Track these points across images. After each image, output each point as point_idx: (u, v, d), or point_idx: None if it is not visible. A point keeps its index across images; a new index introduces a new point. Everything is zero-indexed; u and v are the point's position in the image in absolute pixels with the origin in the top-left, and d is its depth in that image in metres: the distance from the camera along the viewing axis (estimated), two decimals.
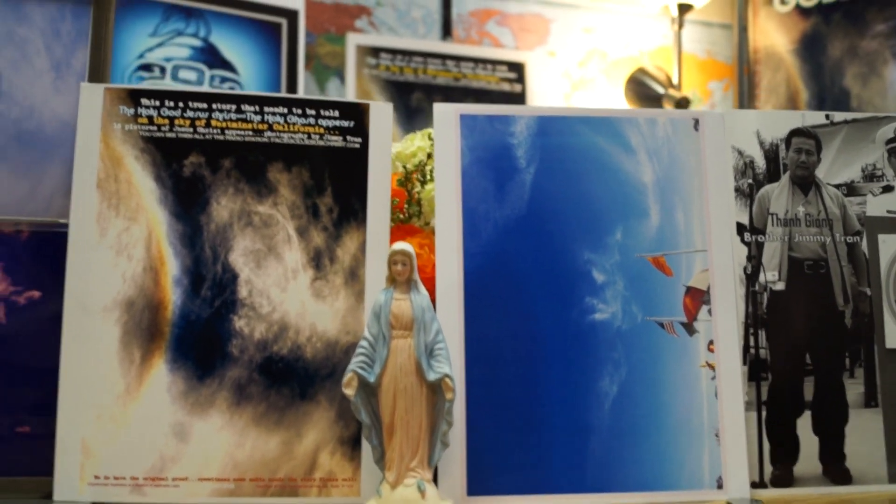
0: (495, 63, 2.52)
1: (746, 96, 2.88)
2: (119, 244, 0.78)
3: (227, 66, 2.10)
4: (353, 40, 2.35)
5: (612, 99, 2.70)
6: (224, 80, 2.08)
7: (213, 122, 0.81)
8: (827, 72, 2.63)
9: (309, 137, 0.82)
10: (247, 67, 2.12)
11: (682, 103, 2.49)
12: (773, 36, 2.80)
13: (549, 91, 2.64)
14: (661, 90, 2.55)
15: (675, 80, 2.63)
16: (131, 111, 0.80)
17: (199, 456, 0.76)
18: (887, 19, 2.44)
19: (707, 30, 2.94)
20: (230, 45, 2.10)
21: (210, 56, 2.07)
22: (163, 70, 2.01)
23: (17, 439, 0.78)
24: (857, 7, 2.56)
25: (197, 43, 2.06)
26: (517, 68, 2.55)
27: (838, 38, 2.60)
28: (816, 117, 0.90)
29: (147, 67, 1.99)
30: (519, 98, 2.53)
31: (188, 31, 2.05)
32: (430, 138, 0.96)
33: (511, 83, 2.53)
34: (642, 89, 2.59)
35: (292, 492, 0.76)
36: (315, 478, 0.76)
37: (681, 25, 2.66)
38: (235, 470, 0.76)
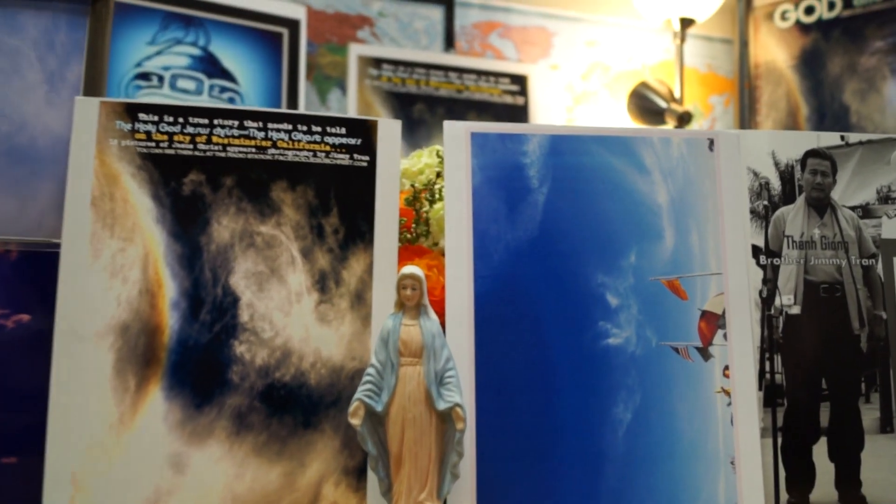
0: (498, 75, 2.53)
1: (747, 111, 2.90)
2: (114, 266, 0.76)
3: (226, 75, 2.09)
4: (355, 51, 2.36)
5: (615, 112, 2.72)
6: (224, 89, 2.08)
7: (215, 139, 0.79)
8: (826, 87, 2.66)
9: (314, 155, 0.81)
10: (247, 77, 2.11)
11: (685, 118, 2.50)
12: (774, 51, 2.83)
13: (551, 104, 2.65)
14: (663, 104, 2.57)
15: (676, 94, 2.64)
16: (128, 126, 0.78)
17: (196, 488, 0.74)
18: (886, 36, 2.47)
19: (708, 44, 2.98)
20: (230, 55, 2.10)
21: (209, 65, 2.07)
22: (161, 79, 2.00)
23: (3, 470, 0.77)
24: (857, 24, 2.59)
25: (196, 52, 2.05)
26: (520, 81, 2.57)
27: (838, 54, 2.63)
28: (832, 138, 0.90)
29: (145, 76, 1.98)
30: (521, 111, 2.53)
31: (187, 39, 2.04)
32: (438, 155, 0.96)
33: (514, 96, 2.54)
34: (644, 103, 2.62)
35: None
36: None
37: (683, 39, 2.68)
38: (235, 502, 0.74)
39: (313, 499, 0.75)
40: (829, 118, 2.62)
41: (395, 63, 2.38)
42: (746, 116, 2.91)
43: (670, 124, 2.54)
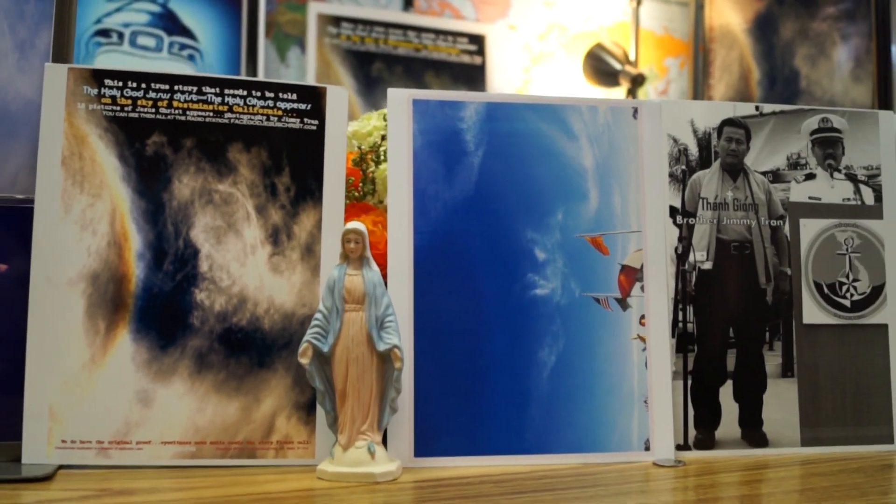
0: (456, 35, 2.52)
1: (701, 73, 2.92)
2: (84, 220, 0.80)
3: (186, 32, 2.07)
4: (315, 9, 2.33)
5: (571, 73, 2.73)
6: (183, 46, 2.06)
7: (175, 103, 0.82)
8: (778, 52, 2.66)
9: (268, 119, 0.84)
10: (206, 34, 2.09)
11: (638, 80, 2.53)
12: (729, 15, 2.84)
13: (508, 64, 2.65)
14: (617, 66, 2.58)
15: (632, 57, 2.66)
16: (95, 91, 0.81)
17: (162, 421, 0.79)
18: (837, 2, 2.47)
19: (665, 7, 2.98)
20: (190, 12, 2.08)
21: (169, 22, 2.05)
22: (121, 36, 1.98)
23: None
24: None
25: (156, 9, 2.03)
26: (477, 41, 2.56)
27: (790, 19, 2.63)
28: (747, 108, 0.95)
29: (104, 33, 1.96)
30: (479, 70, 2.54)
31: None
32: (385, 118, 0.99)
33: (471, 55, 2.54)
34: (599, 65, 2.62)
35: (251, 454, 0.80)
36: (272, 441, 0.80)
37: (639, 2, 2.69)
38: (197, 434, 0.79)
39: (268, 431, 0.80)
40: (780, 82, 2.64)
41: (355, 21, 2.36)
42: (700, 79, 2.93)
43: (624, 86, 2.57)
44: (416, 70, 2.42)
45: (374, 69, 2.36)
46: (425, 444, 0.81)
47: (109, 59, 1.92)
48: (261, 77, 2.14)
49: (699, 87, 2.92)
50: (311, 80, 2.25)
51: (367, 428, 0.76)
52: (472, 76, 2.49)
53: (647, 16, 2.87)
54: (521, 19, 2.70)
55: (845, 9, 2.42)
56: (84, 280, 0.79)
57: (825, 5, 2.52)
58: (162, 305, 0.80)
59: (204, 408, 0.80)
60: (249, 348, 0.81)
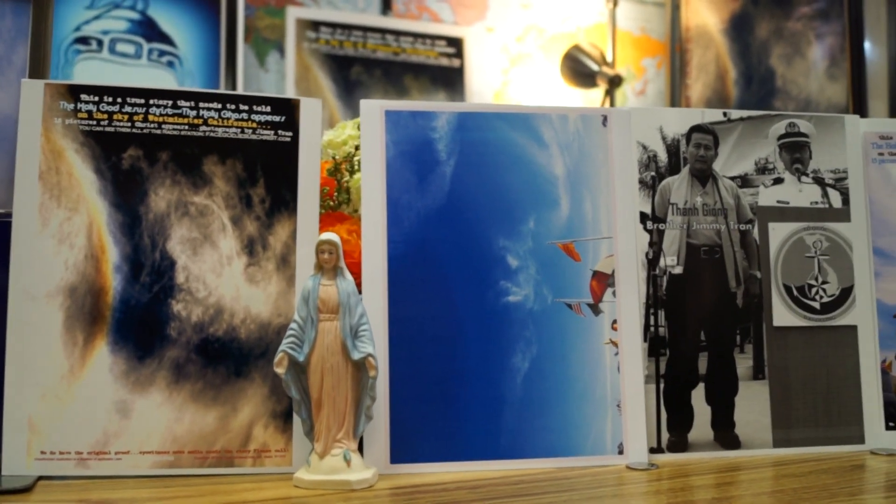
0: (434, 38, 2.53)
1: (678, 73, 2.94)
2: (61, 233, 0.80)
3: (165, 39, 2.07)
4: (293, 13, 2.34)
5: (549, 75, 2.75)
6: (162, 53, 2.06)
7: (151, 117, 0.83)
8: (754, 51, 2.68)
9: (242, 132, 0.85)
10: (185, 41, 2.09)
11: (615, 81, 2.54)
12: (705, 15, 2.86)
13: (487, 66, 2.67)
14: (595, 67, 2.60)
15: (609, 58, 2.68)
16: (71, 106, 0.82)
17: (140, 431, 0.79)
18: (811, 2, 2.49)
19: (642, 7, 3.00)
20: (168, 18, 2.08)
21: (148, 29, 2.05)
22: (100, 43, 1.98)
23: None
24: None
25: (134, 16, 2.03)
26: (456, 43, 2.57)
27: (765, 18, 2.65)
28: (715, 115, 0.96)
29: (84, 41, 1.95)
30: (457, 73, 2.55)
31: (125, 3, 2.01)
32: (359, 127, 1.00)
33: (450, 58, 2.55)
34: (577, 66, 2.64)
35: (228, 463, 0.80)
36: (250, 449, 0.81)
37: (615, 3, 2.71)
38: (175, 443, 0.80)
39: (245, 439, 0.81)
40: (756, 81, 2.67)
41: (333, 26, 2.37)
42: (677, 79, 2.96)
43: (602, 87, 2.59)
44: (394, 73, 2.43)
45: (353, 73, 2.36)
46: (401, 451, 0.82)
47: (89, 66, 1.92)
48: (240, 82, 2.14)
49: (676, 87, 2.94)
50: (290, 84, 2.25)
51: (342, 436, 0.77)
52: (451, 79, 2.51)
53: (623, 17, 2.90)
54: (499, 21, 2.72)
55: (819, 8, 2.44)
56: (62, 293, 0.80)
57: (799, 5, 2.53)
58: (139, 317, 0.81)
59: (182, 417, 0.80)
60: (226, 358, 0.82)
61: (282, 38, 2.33)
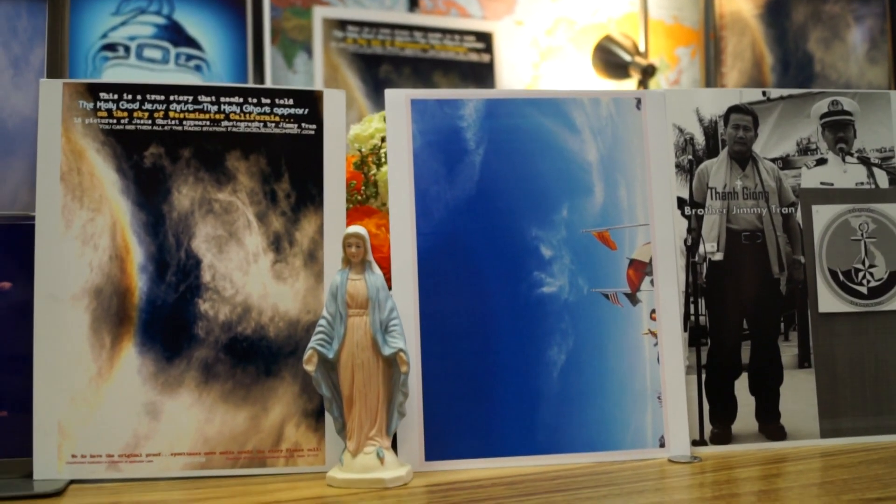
0: (463, 33, 2.52)
1: (713, 61, 2.90)
2: (85, 234, 0.80)
3: (192, 43, 2.08)
4: (320, 13, 2.34)
5: (581, 67, 2.71)
6: (190, 57, 2.07)
7: (171, 114, 0.82)
8: (791, 36, 2.63)
9: (265, 126, 0.84)
10: (212, 44, 2.10)
11: (649, 71, 2.51)
12: (739, 1, 2.81)
13: (517, 60, 2.64)
14: (627, 58, 2.56)
15: (641, 48, 2.65)
16: (90, 105, 0.81)
17: (170, 432, 0.79)
18: None
19: None
20: (194, 22, 2.09)
21: (174, 34, 2.06)
22: (127, 49, 2.00)
23: None
24: None
25: (160, 21, 2.04)
26: (485, 38, 2.55)
27: (802, 2, 2.60)
28: (754, 94, 0.93)
29: (111, 47, 1.97)
30: (487, 68, 2.53)
31: (151, 8, 2.03)
32: (385, 120, 0.99)
33: (479, 53, 2.53)
34: (609, 57, 2.61)
35: (261, 463, 0.80)
36: (282, 449, 0.80)
37: None
38: (206, 444, 0.79)
39: (277, 439, 0.80)
40: (794, 67, 2.61)
41: (360, 24, 2.36)
42: (712, 68, 2.91)
43: (635, 78, 2.55)
44: (424, 71, 2.42)
45: (382, 71, 2.36)
46: (436, 448, 0.81)
47: (117, 73, 1.93)
48: (268, 84, 2.14)
49: (711, 76, 2.89)
50: (318, 85, 2.25)
51: (375, 433, 0.75)
52: (481, 74, 2.49)
53: (655, 5, 2.86)
54: (528, 15, 2.70)
55: None
56: (87, 295, 0.80)
57: None
58: (166, 317, 0.80)
59: (212, 418, 0.80)
60: (255, 357, 0.81)
61: (309, 38, 2.33)
